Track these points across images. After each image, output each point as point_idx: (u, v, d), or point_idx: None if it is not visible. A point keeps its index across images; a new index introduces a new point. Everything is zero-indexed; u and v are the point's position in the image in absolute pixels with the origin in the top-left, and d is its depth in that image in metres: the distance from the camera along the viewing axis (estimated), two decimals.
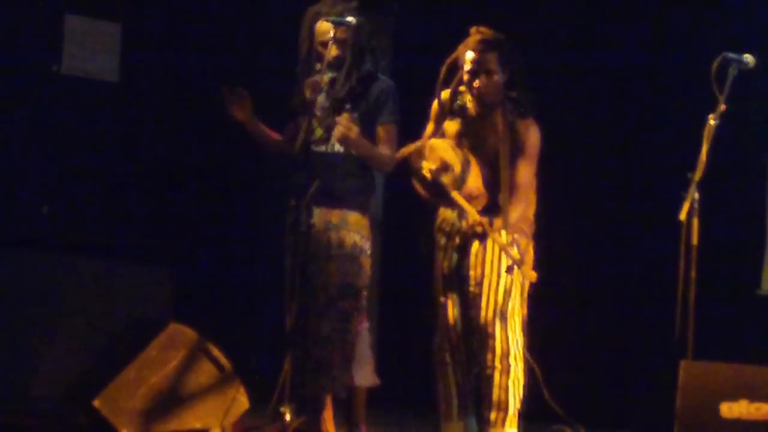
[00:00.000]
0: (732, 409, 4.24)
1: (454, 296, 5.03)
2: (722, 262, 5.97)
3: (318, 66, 5.13)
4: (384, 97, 5.14)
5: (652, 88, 6.65)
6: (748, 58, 4.65)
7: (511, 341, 4.91)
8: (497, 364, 4.90)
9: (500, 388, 4.92)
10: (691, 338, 4.47)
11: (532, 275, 4.70)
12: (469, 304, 4.98)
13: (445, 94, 5.05)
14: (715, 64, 4.59)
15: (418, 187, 4.94)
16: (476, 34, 4.92)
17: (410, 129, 5.19)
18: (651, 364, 6.11)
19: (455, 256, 5.03)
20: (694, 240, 4.54)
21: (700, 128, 4.60)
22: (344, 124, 4.94)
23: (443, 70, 5.00)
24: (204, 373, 5.38)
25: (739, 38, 5.88)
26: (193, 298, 7.15)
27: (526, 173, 4.93)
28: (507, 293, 4.92)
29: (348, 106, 5.10)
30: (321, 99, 5.15)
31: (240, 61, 7.48)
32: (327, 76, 5.10)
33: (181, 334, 5.38)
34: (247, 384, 5.45)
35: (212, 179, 7.58)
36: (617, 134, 6.78)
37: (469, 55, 4.91)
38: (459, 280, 5.01)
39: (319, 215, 5.04)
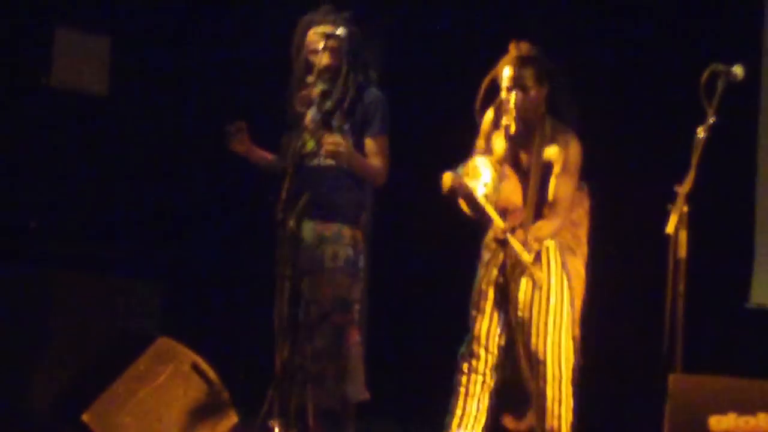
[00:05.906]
0: (721, 423, 4.23)
1: (494, 313, 5.01)
2: (711, 276, 5.96)
3: (309, 78, 5.14)
4: (374, 108, 5.15)
5: (640, 100, 6.64)
6: (738, 69, 4.62)
7: (563, 367, 4.92)
8: (549, 392, 4.91)
9: (553, 415, 4.92)
10: (679, 352, 4.46)
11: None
12: (517, 328, 4.95)
13: (491, 112, 5.05)
14: (704, 76, 4.57)
15: (462, 205, 4.92)
16: (513, 50, 4.94)
17: (402, 138, 5.19)
18: (639, 378, 6.09)
19: (495, 272, 5.00)
20: (682, 253, 4.53)
21: (688, 141, 4.59)
22: (332, 142, 4.94)
23: (482, 88, 5.01)
24: (193, 387, 5.38)
25: (729, 49, 5.87)
26: (181, 311, 7.13)
27: (565, 188, 4.91)
28: (557, 317, 4.92)
29: (335, 122, 5.10)
30: (312, 112, 5.16)
31: (229, 74, 7.48)
32: (318, 89, 5.11)
33: (169, 348, 5.38)
34: (235, 398, 5.43)
35: (201, 192, 7.57)
36: (605, 147, 6.77)
37: (506, 72, 4.93)
38: (503, 301, 4.99)
39: (313, 229, 5.04)
